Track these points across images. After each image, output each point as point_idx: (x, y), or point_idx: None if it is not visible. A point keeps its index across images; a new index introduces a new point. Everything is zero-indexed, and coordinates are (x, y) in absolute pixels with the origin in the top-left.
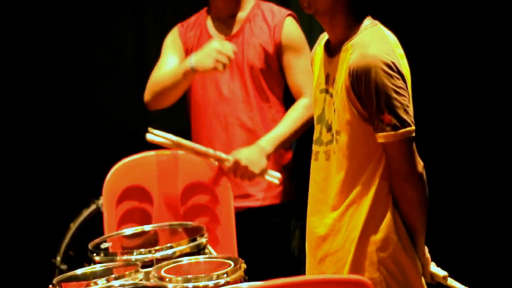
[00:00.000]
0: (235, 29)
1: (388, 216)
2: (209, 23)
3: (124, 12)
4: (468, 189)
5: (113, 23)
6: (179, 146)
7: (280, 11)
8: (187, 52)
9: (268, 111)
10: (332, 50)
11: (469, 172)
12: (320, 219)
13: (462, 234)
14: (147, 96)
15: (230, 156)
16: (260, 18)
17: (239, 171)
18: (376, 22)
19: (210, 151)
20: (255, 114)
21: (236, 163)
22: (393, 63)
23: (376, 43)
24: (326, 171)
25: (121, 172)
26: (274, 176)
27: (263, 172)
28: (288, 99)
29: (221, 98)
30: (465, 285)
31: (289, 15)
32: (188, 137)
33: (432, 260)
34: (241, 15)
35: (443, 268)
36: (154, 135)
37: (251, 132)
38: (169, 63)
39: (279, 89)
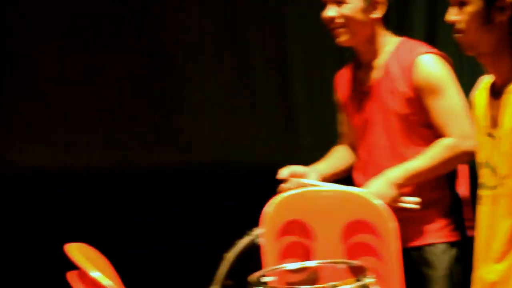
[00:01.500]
0: (375, 76)
1: None
2: (355, 71)
3: None
4: None
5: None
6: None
7: (415, 50)
8: (342, 103)
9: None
10: (496, 92)
11: None
12: (489, 265)
13: None
14: None
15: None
16: (398, 60)
17: None
18: None
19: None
20: (398, 161)
21: None
22: None
23: None
24: (492, 217)
25: (282, 206)
26: (412, 202)
27: (395, 202)
28: None
29: (365, 145)
30: None
31: (423, 53)
32: None
33: None
34: (381, 60)
35: None
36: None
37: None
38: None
39: (428, 132)
